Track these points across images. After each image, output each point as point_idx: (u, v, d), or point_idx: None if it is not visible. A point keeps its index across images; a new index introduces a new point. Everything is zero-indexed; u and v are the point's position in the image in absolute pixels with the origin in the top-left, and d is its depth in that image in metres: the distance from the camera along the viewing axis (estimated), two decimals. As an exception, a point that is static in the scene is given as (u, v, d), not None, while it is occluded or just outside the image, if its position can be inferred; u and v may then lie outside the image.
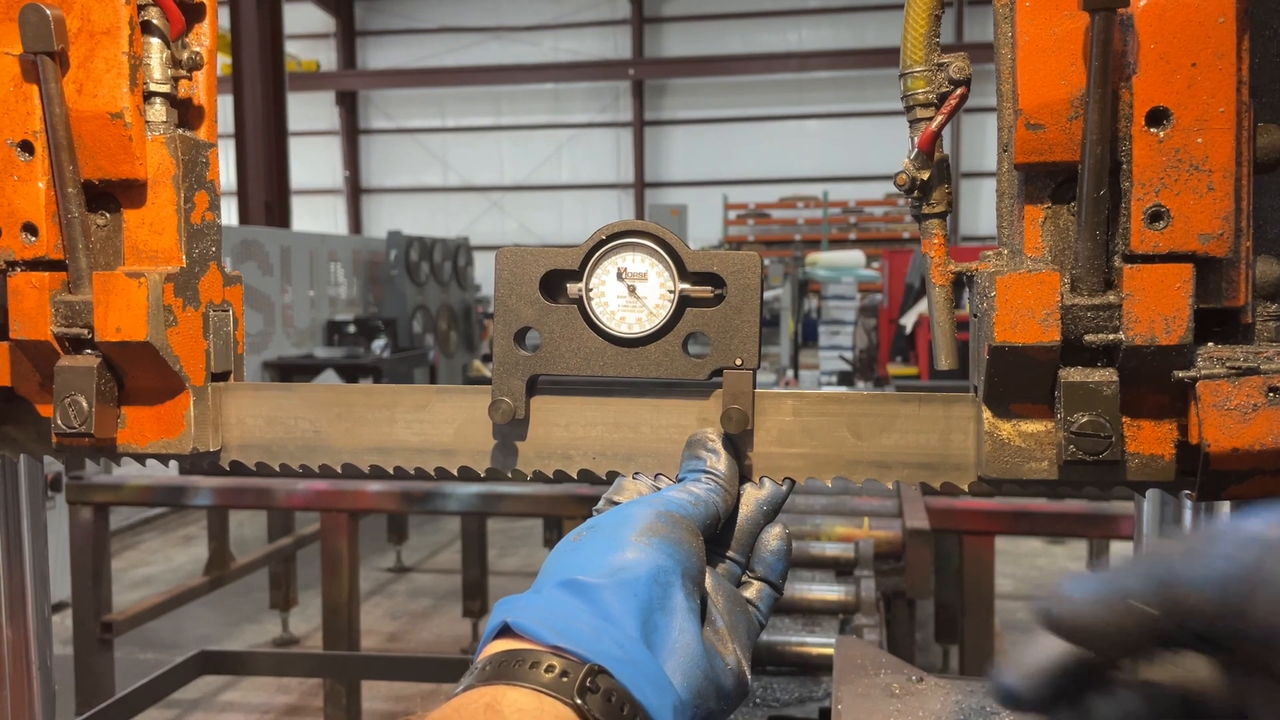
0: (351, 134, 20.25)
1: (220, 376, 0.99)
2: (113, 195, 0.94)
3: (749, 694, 0.74)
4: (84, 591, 3.86)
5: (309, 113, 19.22)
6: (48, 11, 0.87)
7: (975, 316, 0.84)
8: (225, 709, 4.92)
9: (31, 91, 0.90)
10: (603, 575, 0.67)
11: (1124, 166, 0.75)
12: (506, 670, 0.62)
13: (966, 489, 0.85)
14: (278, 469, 0.97)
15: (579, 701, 0.60)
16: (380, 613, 6.25)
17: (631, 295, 0.86)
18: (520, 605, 0.67)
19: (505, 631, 0.66)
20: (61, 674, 1.88)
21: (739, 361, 0.85)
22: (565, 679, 0.61)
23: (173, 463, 1.01)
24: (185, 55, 0.95)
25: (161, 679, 3.59)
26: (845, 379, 10.60)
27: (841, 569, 2.29)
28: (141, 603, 4.32)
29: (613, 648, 0.63)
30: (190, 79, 0.97)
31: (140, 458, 0.98)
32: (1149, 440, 0.79)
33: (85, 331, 0.92)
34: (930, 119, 0.84)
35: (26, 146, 0.91)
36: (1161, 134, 0.74)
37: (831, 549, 2.35)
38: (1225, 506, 0.93)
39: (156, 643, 5.38)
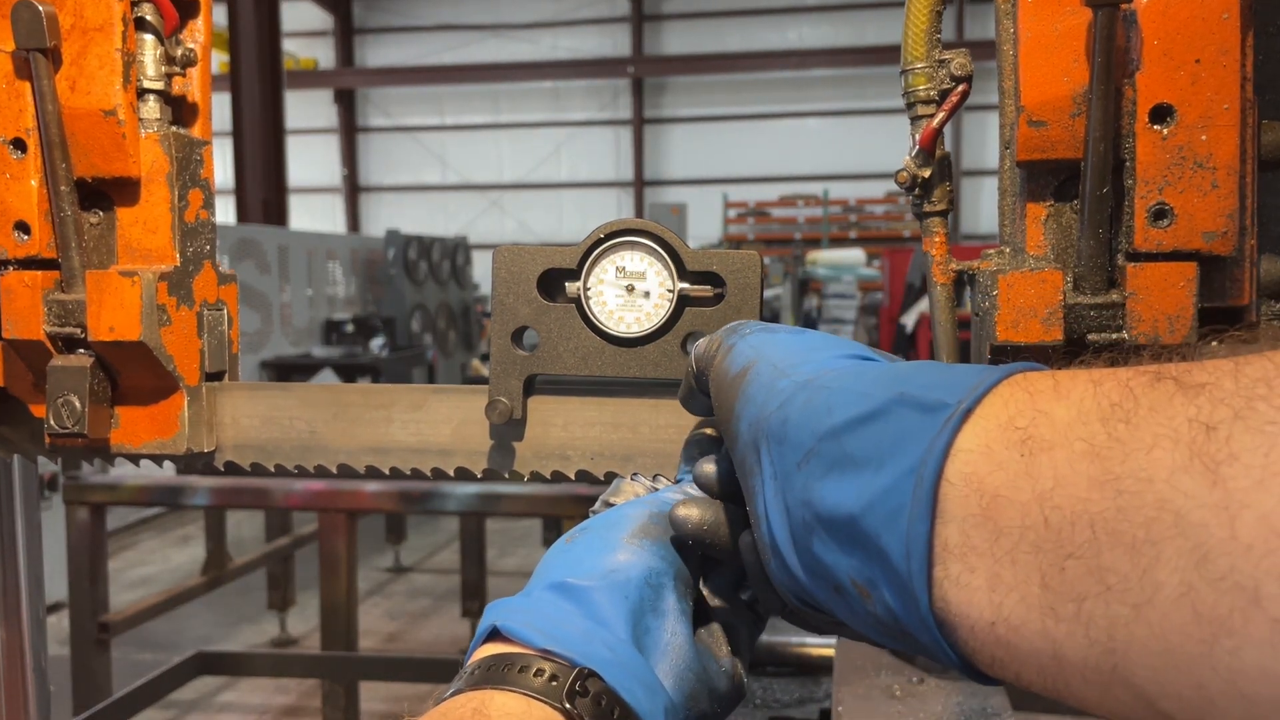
0: (349, 132, 20.22)
1: (215, 376, 0.98)
2: (106, 193, 0.93)
3: (745, 696, 0.73)
4: (81, 592, 3.84)
5: (307, 110, 19.19)
6: (40, 8, 0.86)
7: (977, 315, 0.84)
8: (223, 709, 4.91)
9: (24, 89, 0.89)
10: (594, 577, 0.66)
11: (1127, 164, 0.75)
12: (495, 674, 0.61)
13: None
14: (273, 469, 0.96)
15: (568, 706, 0.59)
16: (379, 613, 6.24)
17: (630, 294, 0.86)
18: (510, 608, 0.66)
19: (495, 635, 0.65)
20: (58, 674, 1.87)
21: None
22: (554, 683, 0.60)
23: (169, 463, 1.00)
24: (179, 52, 0.95)
25: (159, 680, 3.58)
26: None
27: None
28: (139, 603, 4.31)
29: (603, 650, 0.62)
30: (184, 76, 0.96)
31: (134, 458, 0.98)
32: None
33: (78, 331, 0.91)
34: (931, 116, 0.83)
35: (19, 144, 0.90)
36: (1165, 131, 0.73)
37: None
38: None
39: (154, 643, 5.37)
